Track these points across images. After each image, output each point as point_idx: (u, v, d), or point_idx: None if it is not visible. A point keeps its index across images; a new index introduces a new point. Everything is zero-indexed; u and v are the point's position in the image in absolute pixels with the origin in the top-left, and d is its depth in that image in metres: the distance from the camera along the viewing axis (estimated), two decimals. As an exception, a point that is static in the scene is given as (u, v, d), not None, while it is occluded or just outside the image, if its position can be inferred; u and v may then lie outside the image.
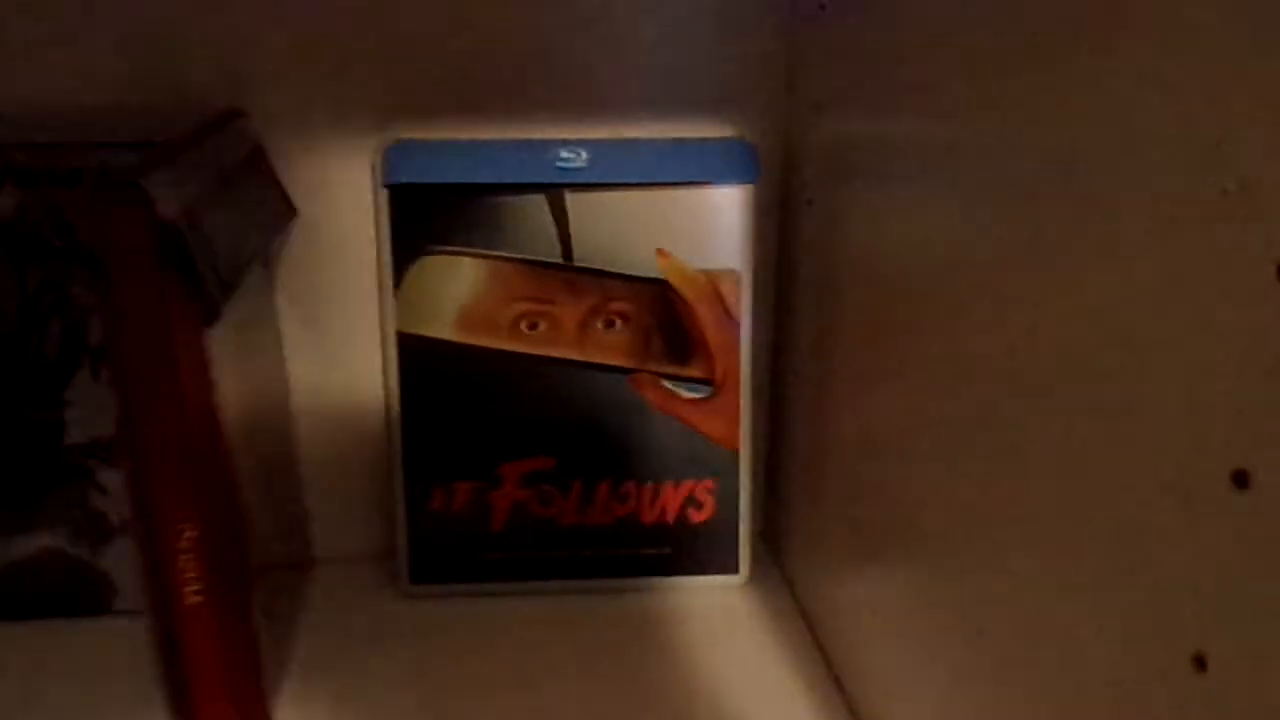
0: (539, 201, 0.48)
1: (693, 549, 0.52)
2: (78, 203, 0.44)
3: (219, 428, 0.37)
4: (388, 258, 0.48)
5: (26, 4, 0.45)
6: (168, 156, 0.34)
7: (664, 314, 0.49)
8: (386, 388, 0.50)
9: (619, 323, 0.49)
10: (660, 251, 0.48)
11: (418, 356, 0.49)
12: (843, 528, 0.44)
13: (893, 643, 0.39)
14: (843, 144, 0.43)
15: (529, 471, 0.50)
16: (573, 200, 0.48)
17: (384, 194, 0.47)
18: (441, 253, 0.48)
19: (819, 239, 0.46)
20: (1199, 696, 0.21)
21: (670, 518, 0.51)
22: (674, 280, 0.49)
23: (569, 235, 0.48)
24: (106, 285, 0.32)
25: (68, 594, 0.49)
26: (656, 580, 0.52)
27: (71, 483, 0.48)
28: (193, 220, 0.34)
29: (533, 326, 0.49)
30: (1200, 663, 0.21)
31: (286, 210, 0.47)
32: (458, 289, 0.48)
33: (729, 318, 0.49)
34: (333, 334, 0.51)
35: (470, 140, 0.48)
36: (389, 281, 0.48)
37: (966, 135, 0.31)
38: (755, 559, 0.54)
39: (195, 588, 0.35)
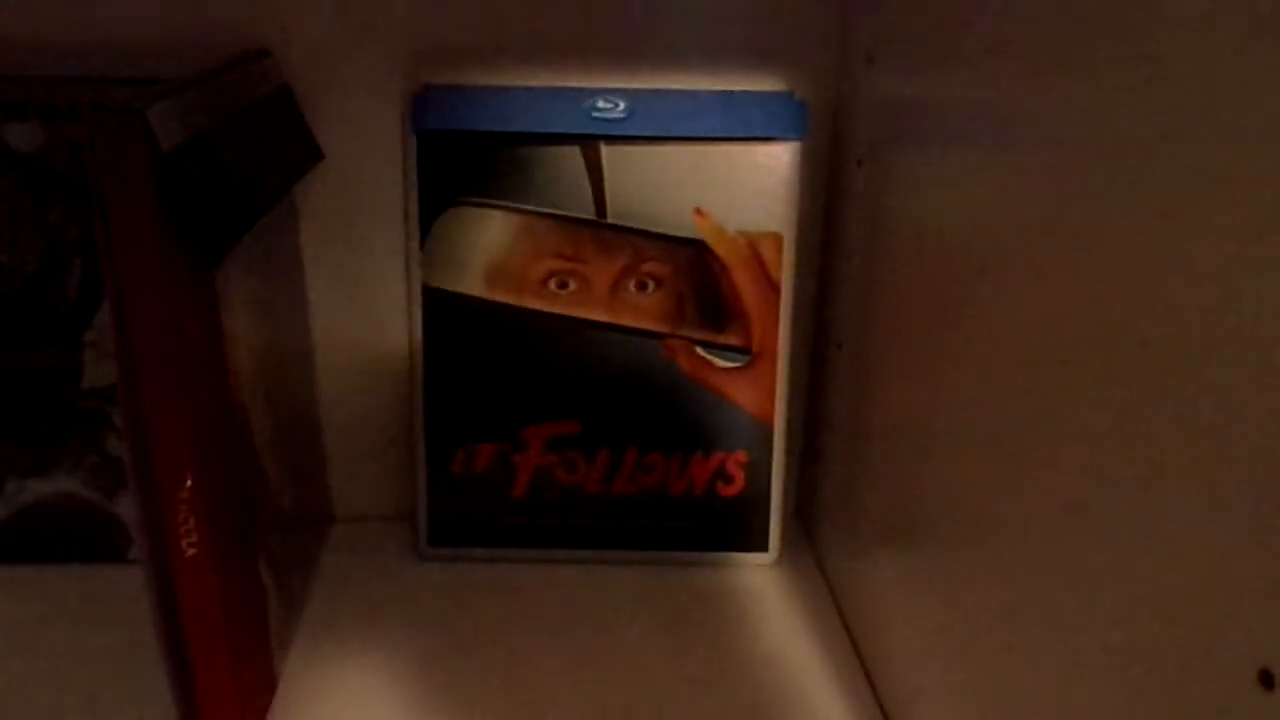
0: (573, 153, 0.45)
1: (721, 524, 0.49)
2: (79, 132, 0.42)
3: (226, 374, 0.36)
4: (415, 208, 0.46)
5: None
6: (176, 89, 0.33)
7: (700, 277, 0.46)
8: (411, 343, 0.48)
9: (652, 285, 0.47)
10: (698, 211, 0.46)
11: (444, 312, 0.47)
12: (880, 509, 0.42)
13: (925, 633, 0.36)
14: (896, 101, 0.40)
15: (554, 436, 0.48)
16: (609, 153, 0.45)
17: (413, 141, 0.45)
18: (471, 204, 0.46)
19: (868, 202, 0.43)
20: (1265, 718, 0.19)
21: (699, 490, 0.49)
22: (712, 242, 0.46)
23: (603, 190, 0.46)
24: (104, 218, 0.30)
25: (82, 539, 0.48)
26: (682, 554, 0.50)
27: (89, 426, 0.47)
28: (198, 153, 0.32)
29: (563, 285, 0.47)
30: (1267, 679, 0.19)
31: (311, 153, 0.45)
32: (486, 243, 0.46)
33: (769, 283, 0.47)
34: (358, 285, 0.50)
35: (503, 87, 0.46)
36: (416, 232, 0.46)
37: (1032, 94, 0.28)
38: (786, 537, 0.51)
39: (192, 540, 0.33)
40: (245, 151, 0.37)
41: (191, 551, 0.33)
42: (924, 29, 0.37)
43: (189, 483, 0.33)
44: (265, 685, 0.40)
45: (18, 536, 0.48)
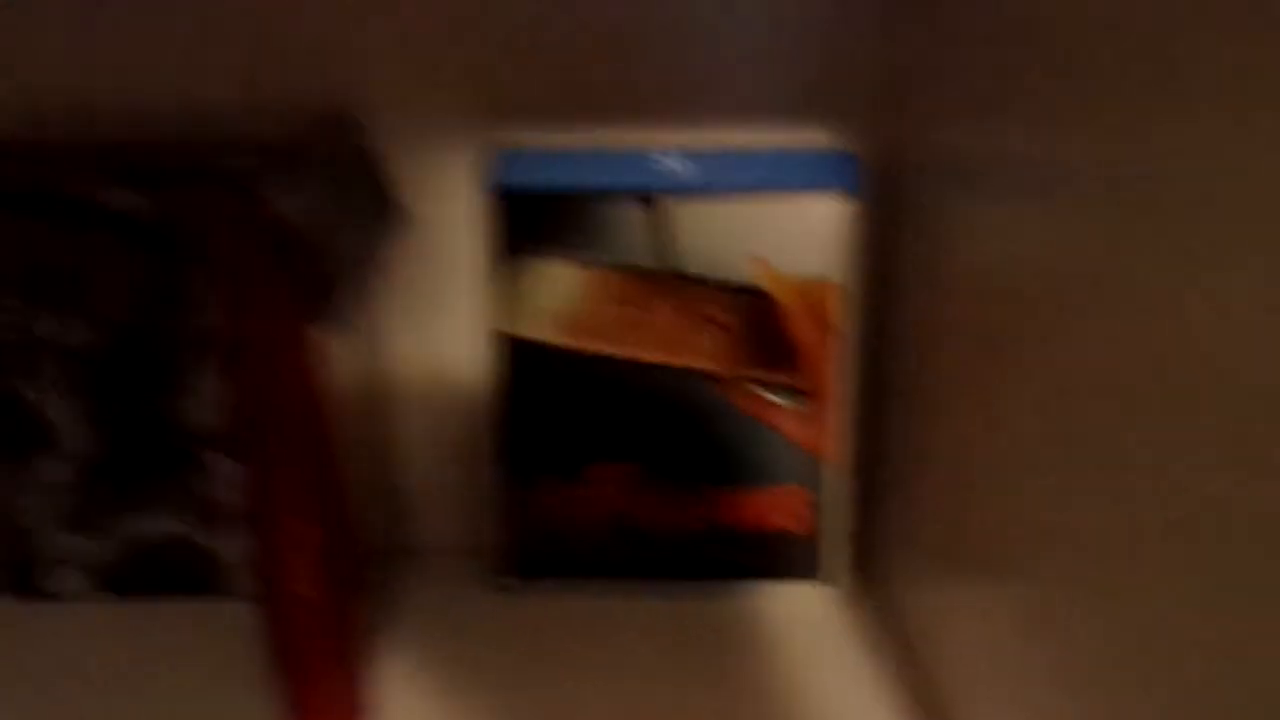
0: (639, 208, 0.48)
1: (782, 556, 0.52)
2: (200, 203, 0.46)
3: (331, 422, 0.39)
4: (490, 260, 0.49)
5: (145, 6, 0.48)
6: (284, 159, 0.36)
7: (761, 322, 0.49)
8: (485, 387, 0.51)
9: (715, 329, 0.49)
10: (759, 260, 0.48)
11: (516, 357, 0.50)
12: (938, 543, 0.44)
13: (984, 666, 0.38)
14: (951, 155, 0.42)
15: (621, 473, 0.51)
16: (672, 207, 0.48)
17: (488, 198, 0.48)
18: (542, 256, 0.49)
19: (922, 250, 0.46)
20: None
21: (761, 524, 0.51)
22: (772, 289, 0.49)
23: (668, 242, 0.48)
24: (225, 285, 0.33)
25: (178, 575, 0.51)
26: (745, 585, 0.52)
27: (189, 468, 0.50)
28: (310, 222, 0.35)
29: (629, 331, 0.49)
30: (1309, 706, 0.21)
31: (397, 212, 0.48)
32: (557, 292, 0.49)
33: (826, 327, 0.49)
34: (434, 333, 0.53)
35: (573, 146, 0.49)
36: (491, 283, 0.49)
37: (1084, 150, 0.30)
38: (846, 569, 0.53)
39: (308, 577, 0.36)
40: (346, 215, 0.40)
41: (307, 589, 0.36)
42: (978, 88, 0.39)
43: (307, 523, 0.36)
44: (361, 716, 0.43)
45: (116, 573, 0.51)
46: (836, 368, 0.49)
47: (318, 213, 0.37)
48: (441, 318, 0.52)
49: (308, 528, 0.36)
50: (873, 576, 0.54)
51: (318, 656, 0.37)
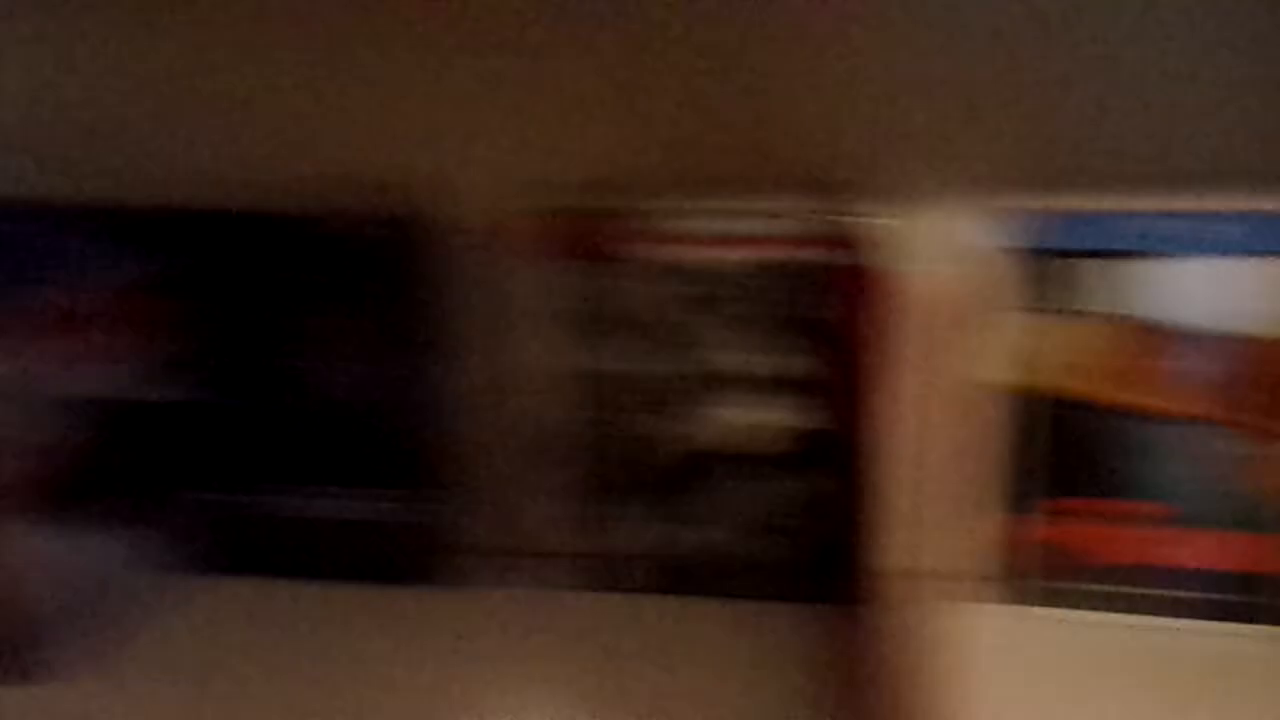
0: (1138, 266, 0.51)
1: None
2: (816, 270, 0.52)
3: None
4: (988, 315, 0.53)
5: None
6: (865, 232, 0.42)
7: (1258, 374, 0.50)
8: (984, 429, 0.55)
9: (1214, 381, 0.51)
10: (1264, 316, 0.50)
11: (1019, 404, 0.54)
12: None
13: None
14: None
15: (1124, 512, 0.53)
16: (1169, 265, 0.50)
17: (994, 257, 0.52)
18: (1037, 310, 0.52)
19: None
20: None
21: (1255, 568, 0.52)
22: (1270, 343, 0.50)
23: (1166, 297, 0.51)
24: (833, 332, 0.39)
25: (730, 579, 0.58)
26: (1241, 627, 0.53)
27: (709, 481, 0.57)
28: (878, 277, 0.41)
29: (1125, 379, 0.52)
30: None
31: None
32: (1061, 344, 0.52)
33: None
34: (942, 380, 0.57)
35: (1078, 209, 0.52)
36: (987, 335, 0.53)
37: None
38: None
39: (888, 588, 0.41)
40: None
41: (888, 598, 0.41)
42: None
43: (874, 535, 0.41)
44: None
45: (677, 574, 0.59)
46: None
47: (877, 269, 0.43)
48: (946, 367, 0.57)
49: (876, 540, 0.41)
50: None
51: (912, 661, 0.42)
